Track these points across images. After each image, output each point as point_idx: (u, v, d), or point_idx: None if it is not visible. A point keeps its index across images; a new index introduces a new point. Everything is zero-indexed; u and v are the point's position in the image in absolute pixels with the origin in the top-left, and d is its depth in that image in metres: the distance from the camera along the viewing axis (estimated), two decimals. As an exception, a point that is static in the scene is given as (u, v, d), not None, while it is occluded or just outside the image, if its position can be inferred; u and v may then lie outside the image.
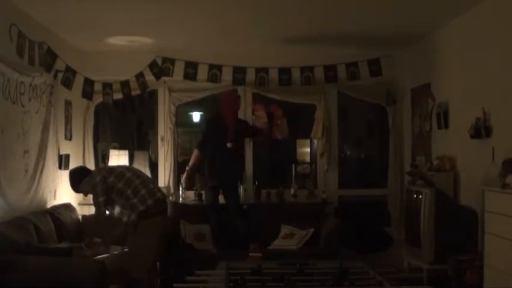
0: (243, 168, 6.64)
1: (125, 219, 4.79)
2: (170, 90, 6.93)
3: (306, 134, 7.31)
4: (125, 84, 6.56)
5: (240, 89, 6.97)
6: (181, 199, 6.81)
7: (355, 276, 3.50)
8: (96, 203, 4.81)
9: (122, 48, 6.62)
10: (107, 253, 5.00)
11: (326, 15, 5.54)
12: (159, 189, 5.05)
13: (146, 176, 5.24)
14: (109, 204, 4.80)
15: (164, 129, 6.97)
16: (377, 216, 7.13)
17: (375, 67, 6.59)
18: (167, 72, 6.52)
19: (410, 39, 6.41)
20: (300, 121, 7.55)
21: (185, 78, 6.60)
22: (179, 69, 6.53)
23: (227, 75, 6.63)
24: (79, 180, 4.95)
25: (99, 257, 4.72)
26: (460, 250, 4.71)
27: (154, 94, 7.06)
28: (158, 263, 5.31)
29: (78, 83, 6.21)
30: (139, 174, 5.02)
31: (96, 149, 7.11)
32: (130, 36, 6.18)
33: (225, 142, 5.99)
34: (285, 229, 6.31)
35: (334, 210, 6.79)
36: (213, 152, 6.11)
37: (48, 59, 5.60)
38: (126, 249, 5.08)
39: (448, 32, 5.73)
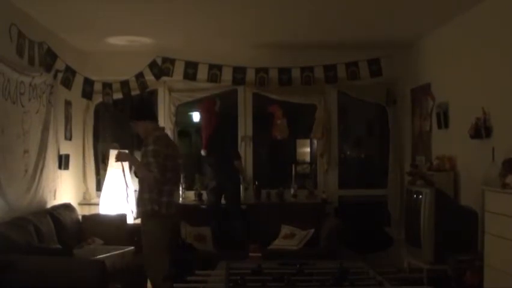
0: (237, 177, 6.53)
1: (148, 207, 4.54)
2: (170, 90, 6.93)
3: (306, 134, 7.31)
4: (125, 84, 6.56)
5: (240, 89, 6.98)
6: (181, 199, 6.80)
7: (355, 276, 3.50)
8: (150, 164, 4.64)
9: (122, 48, 6.62)
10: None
11: (326, 20, 5.56)
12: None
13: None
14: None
15: (164, 129, 6.97)
16: (377, 216, 7.12)
17: (375, 67, 6.58)
18: (167, 72, 6.51)
19: (409, 41, 6.43)
20: (300, 121, 7.54)
21: (185, 78, 6.59)
22: (179, 69, 6.52)
23: (227, 75, 6.61)
24: (144, 117, 4.82)
25: (99, 257, 4.71)
26: (460, 250, 4.71)
27: (154, 94, 7.05)
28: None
29: (78, 83, 6.21)
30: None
31: (96, 149, 7.11)
32: (130, 36, 6.18)
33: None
34: (285, 229, 6.31)
35: (334, 210, 6.79)
36: (208, 157, 6.47)
37: (48, 59, 5.59)
38: (128, 249, 5.09)
39: (448, 32, 5.72)
